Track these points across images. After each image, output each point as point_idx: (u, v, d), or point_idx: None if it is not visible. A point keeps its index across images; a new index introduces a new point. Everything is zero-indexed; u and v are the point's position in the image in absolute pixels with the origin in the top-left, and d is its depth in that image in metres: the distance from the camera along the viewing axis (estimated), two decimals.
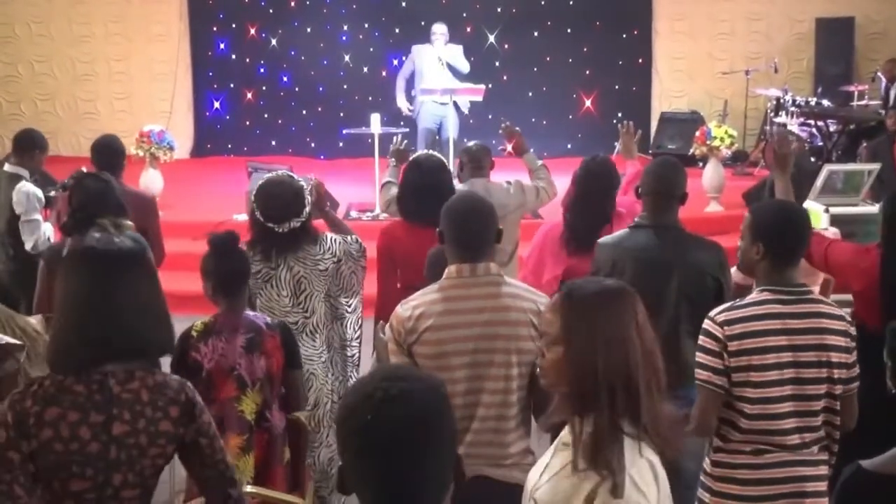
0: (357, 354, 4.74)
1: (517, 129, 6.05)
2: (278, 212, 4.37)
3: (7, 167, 6.39)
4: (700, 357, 3.36)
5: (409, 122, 11.10)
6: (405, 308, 3.33)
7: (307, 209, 4.44)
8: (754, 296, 3.40)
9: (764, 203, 3.67)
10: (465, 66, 10.64)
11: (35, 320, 3.86)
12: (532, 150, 5.89)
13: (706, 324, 3.37)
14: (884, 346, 3.46)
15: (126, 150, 6.22)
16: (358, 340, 4.75)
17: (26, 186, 6.16)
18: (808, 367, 3.32)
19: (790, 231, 3.39)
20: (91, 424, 2.50)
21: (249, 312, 4.00)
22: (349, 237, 4.65)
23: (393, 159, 5.76)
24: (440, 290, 3.33)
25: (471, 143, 5.91)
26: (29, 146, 6.35)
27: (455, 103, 10.50)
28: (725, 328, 3.31)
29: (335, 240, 4.55)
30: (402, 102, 10.93)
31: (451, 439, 1.88)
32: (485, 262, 3.32)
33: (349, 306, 4.63)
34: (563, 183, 9.80)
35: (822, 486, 3.40)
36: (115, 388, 2.53)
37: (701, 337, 3.37)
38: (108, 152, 5.96)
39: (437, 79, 10.45)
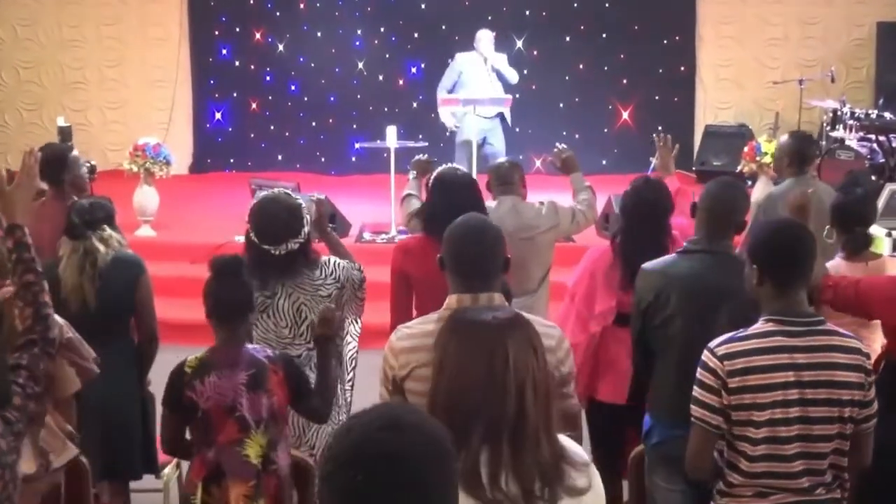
0: (349, 399, 4.68)
1: (569, 151, 5.94)
2: (273, 232, 4.29)
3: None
4: (696, 392, 3.35)
5: (428, 135, 11.05)
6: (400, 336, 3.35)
7: (306, 229, 4.38)
8: (758, 326, 3.36)
9: (760, 222, 3.68)
10: (514, 76, 10.38)
11: None
12: (580, 172, 5.82)
13: (705, 355, 3.34)
14: None
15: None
16: (350, 383, 4.70)
17: None
18: (817, 405, 3.30)
19: (783, 250, 3.38)
20: None
21: (248, 345, 3.92)
22: (353, 262, 4.64)
23: (413, 171, 5.82)
24: (438, 322, 3.17)
25: (501, 160, 5.99)
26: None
27: (501, 116, 10.21)
28: (726, 363, 3.28)
29: (338, 264, 4.51)
30: (447, 118, 10.50)
31: (451, 498, 1.78)
32: (488, 293, 3.20)
33: (341, 339, 4.55)
34: (597, 203, 9.69)
35: None
36: None
37: (699, 370, 3.36)
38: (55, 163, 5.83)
39: (486, 89, 10.15)
